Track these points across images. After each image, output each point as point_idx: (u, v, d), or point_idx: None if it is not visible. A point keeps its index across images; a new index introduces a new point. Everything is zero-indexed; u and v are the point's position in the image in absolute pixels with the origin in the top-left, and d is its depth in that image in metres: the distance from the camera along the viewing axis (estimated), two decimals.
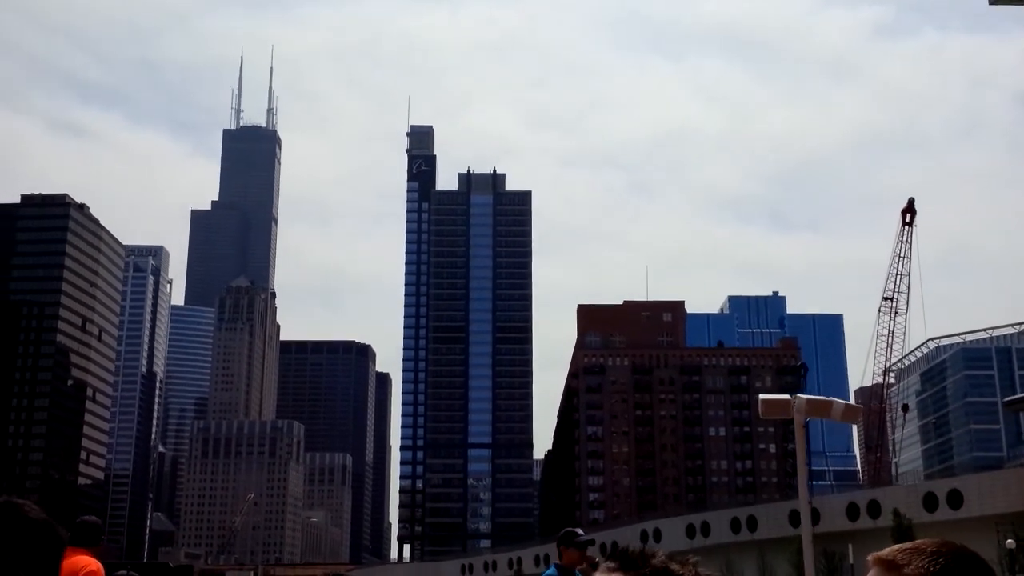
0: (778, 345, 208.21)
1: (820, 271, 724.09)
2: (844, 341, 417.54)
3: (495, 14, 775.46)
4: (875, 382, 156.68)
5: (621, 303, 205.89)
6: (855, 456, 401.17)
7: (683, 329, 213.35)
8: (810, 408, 13.05)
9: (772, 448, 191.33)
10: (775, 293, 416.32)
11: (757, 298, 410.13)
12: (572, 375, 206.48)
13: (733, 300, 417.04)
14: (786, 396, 13.58)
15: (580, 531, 10.94)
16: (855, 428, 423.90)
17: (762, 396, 13.66)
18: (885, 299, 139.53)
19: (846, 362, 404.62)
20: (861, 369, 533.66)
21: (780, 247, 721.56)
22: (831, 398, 13.61)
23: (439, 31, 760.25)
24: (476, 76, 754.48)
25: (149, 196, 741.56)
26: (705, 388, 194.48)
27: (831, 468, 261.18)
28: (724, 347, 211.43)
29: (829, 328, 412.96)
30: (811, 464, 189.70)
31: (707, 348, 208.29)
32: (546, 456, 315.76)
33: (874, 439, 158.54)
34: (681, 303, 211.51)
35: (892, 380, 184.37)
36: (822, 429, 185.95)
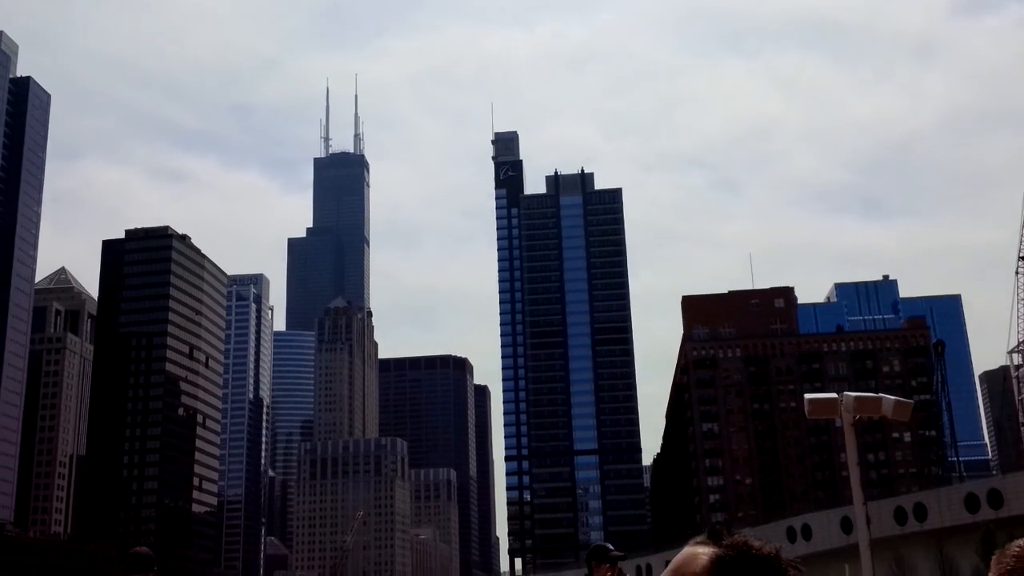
0: (904, 326, 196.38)
1: (923, 257, 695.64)
2: (965, 324, 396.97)
3: (566, 28, 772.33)
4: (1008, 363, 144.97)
5: (727, 293, 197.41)
6: (985, 445, 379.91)
7: (795, 316, 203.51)
8: (859, 406, 12.66)
9: (907, 436, 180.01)
10: (885, 277, 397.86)
11: (867, 284, 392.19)
12: (681, 370, 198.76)
13: (840, 288, 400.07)
14: (833, 395, 13.10)
15: (610, 546, 10.89)
16: (983, 415, 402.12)
17: (808, 396, 13.31)
18: (1021, 258, 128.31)
19: (968, 346, 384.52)
20: (982, 353, 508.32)
21: (878, 235, 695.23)
22: (880, 395, 13.09)
23: (514, 50, 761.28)
24: (552, 90, 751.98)
25: (246, 229, 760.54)
26: (827, 376, 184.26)
27: (961, 459, 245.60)
28: (845, 332, 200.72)
29: (947, 310, 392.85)
30: (947, 455, 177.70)
31: (826, 334, 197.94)
32: (655, 460, 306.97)
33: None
34: (791, 289, 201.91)
35: (1020, 360, 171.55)
36: (949, 417, 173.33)
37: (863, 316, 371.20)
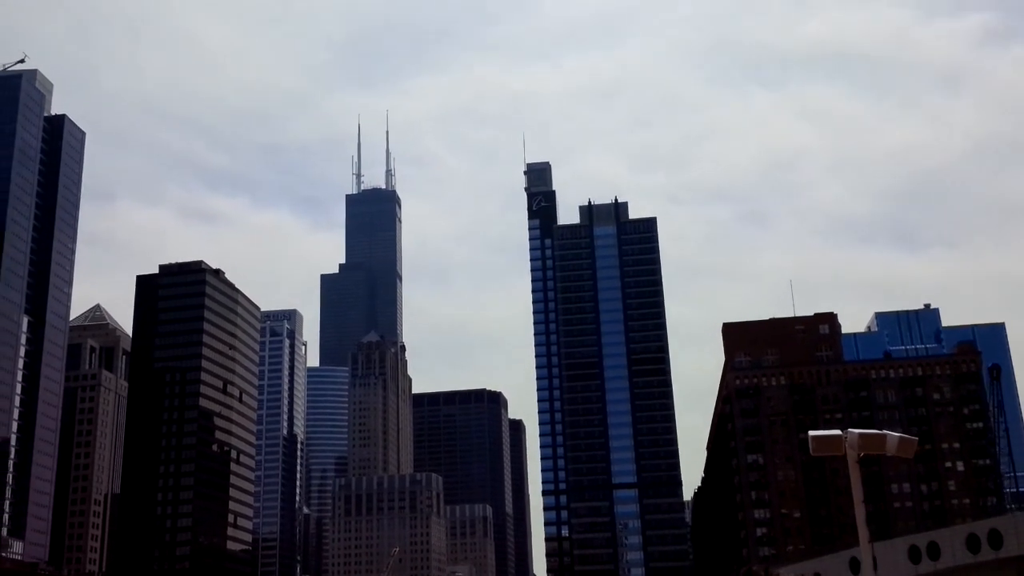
0: (955, 351, 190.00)
1: (959, 287, 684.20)
2: (1009, 352, 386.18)
3: (592, 63, 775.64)
4: None
5: (769, 320, 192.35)
6: None
7: (840, 343, 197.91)
8: (863, 443, 13.04)
9: (960, 466, 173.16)
10: (927, 306, 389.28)
11: (908, 313, 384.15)
12: (723, 400, 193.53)
13: (881, 317, 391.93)
14: (836, 432, 13.35)
15: None
16: None
17: (811, 432, 13.90)
18: None
19: (1014, 374, 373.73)
20: None
21: (911, 265, 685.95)
22: (884, 432, 13.21)
23: (541, 85, 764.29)
24: (580, 124, 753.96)
25: (278, 266, 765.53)
26: (876, 404, 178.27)
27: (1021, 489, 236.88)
28: (893, 358, 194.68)
29: (992, 339, 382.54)
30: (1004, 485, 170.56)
31: (873, 361, 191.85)
32: (696, 494, 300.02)
33: None
34: (834, 315, 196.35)
35: None
36: (1008, 444, 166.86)
37: (905, 346, 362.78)
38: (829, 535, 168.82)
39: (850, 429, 12.93)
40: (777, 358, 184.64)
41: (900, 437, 13.03)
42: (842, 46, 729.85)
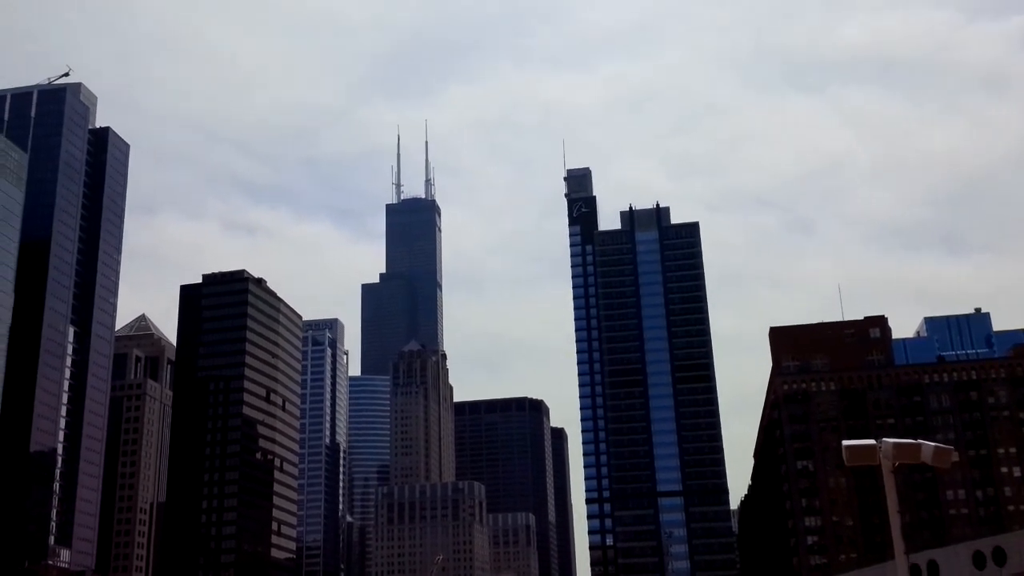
0: (1010, 354, 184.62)
1: (1009, 291, 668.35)
2: None
3: (628, 70, 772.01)
4: None
5: (818, 324, 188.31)
6: None
7: (890, 347, 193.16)
8: (897, 452, 12.61)
9: (1016, 471, 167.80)
10: (977, 310, 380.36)
11: (958, 318, 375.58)
12: (771, 406, 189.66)
13: (931, 322, 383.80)
14: (871, 442, 13.33)
15: None
16: None
17: (845, 443, 13.52)
18: None
19: None
20: None
21: (959, 270, 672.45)
22: (920, 441, 13.18)
23: (577, 93, 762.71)
24: (616, 131, 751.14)
25: (318, 277, 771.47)
26: (929, 409, 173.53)
27: None
28: (946, 362, 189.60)
29: None
30: None
31: (927, 364, 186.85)
32: (743, 502, 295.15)
33: None
34: (884, 318, 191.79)
35: None
36: None
37: (956, 351, 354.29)
38: (882, 543, 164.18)
39: (884, 439, 12.97)
40: (826, 363, 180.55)
41: (936, 447, 12.56)
42: (881, 50, 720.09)
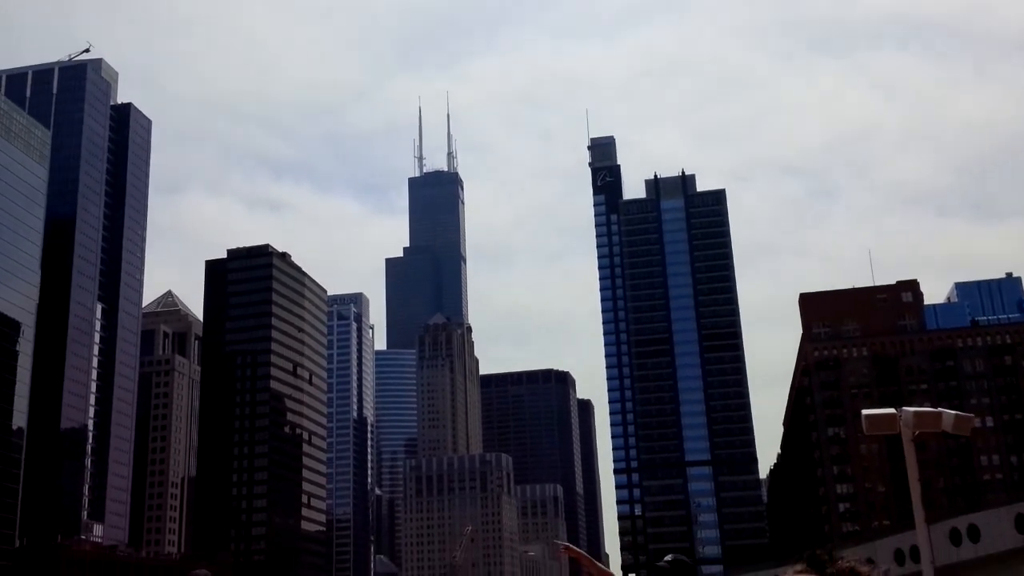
0: None
1: None
2: None
3: (652, 42, 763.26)
4: None
5: (849, 289, 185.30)
6: None
7: (922, 312, 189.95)
8: (918, 421, 12.69)
9: None
10: (1009, 275, 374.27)
11: (989, 282, 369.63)
12: (801, 372, 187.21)
13: (961, 287, 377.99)
14: (891, 410, 13.11)
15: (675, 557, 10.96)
16: None
17: (864, 412, 13.30)
18: None
19: None
20: None
21: (990, 237, 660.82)
22: (940, 409, 13.01)
23: (602, 63, 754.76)
24: (642, 101, 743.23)
25: (343, 252, 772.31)
26: (963, 374, 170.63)
27: None
28: (980, 326, 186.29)
29: None
30: None
31: (960, 329, 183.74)
32: (772, 471, 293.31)
33: None
34: (916, 282, 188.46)
35: None
36: None
37: (987, 316, 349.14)
38: (911, 511, 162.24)
39: (904, 407, 12.39)
40: (858, 328, 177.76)
41: (956, 415, 12.42)
42: (909, 14, 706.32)
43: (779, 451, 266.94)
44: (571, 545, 11.68)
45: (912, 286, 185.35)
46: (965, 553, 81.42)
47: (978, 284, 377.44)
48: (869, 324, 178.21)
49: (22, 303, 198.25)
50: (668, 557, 10.89)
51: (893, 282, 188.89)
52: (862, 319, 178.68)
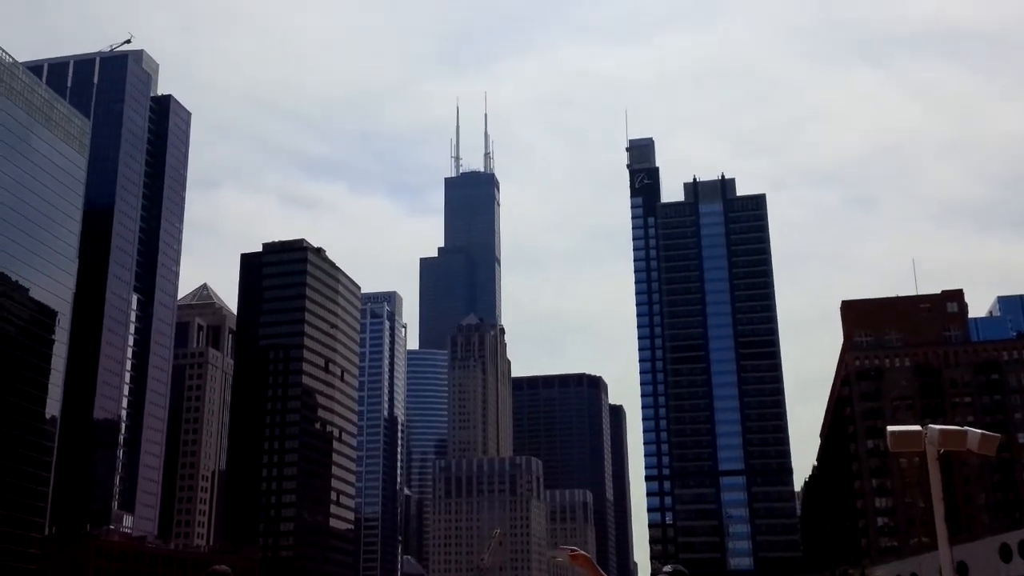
0: None
1: None
2: None
3: (690, 45, 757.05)
4: None
5: (892, 297, 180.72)
6: None
7: (967, 323, 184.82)
8: (943, 439, 12.67)
9: None
10: None
11: None
12: (841, 383, 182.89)
13: (1004, 301, 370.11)
14: (917, 428, 13.11)
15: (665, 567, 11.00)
16: None
17: (890, 428, 13.37)
18: None
19: None
20: None
21: None
22: (966, 428, 13.00)
23: (638, 68, 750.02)
24: (677, 107, 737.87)
25: (376, 251, 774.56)
26: (1008, 387, 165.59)
27: None
28: None
29: None
30: None
31: (1007, 340, 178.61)
32: (807, 483, 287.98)
33: None
34: (961, 292, 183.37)
35: None
36: None
37: None
38: (955, 525, 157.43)
39: (930, 424, 12.43)
40: (900, 338, 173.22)
41: (982, 434, 12.15)
42: (951, 23, 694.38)
43: (815, 462, 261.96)
44: (578, 550, 11.50)
45: (957, 296, 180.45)
46: (1016, 569, 78.31)
47: (1021, 298, 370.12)
48: (912, 334, 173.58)
49: (59, 292, 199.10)
50: (667, 567, 10.79)
51: (936, 292, 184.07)
52: (905, 329, 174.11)
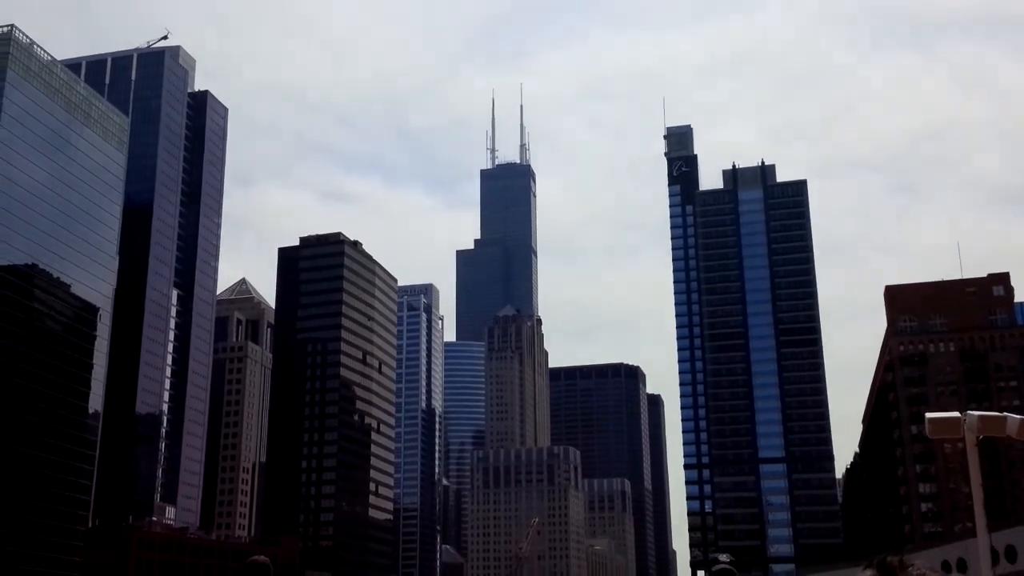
0: None
1: None
2: None
3: (729, 31, 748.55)
4: None
5: (937, 281, 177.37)
6: None
7: (1014, 307, 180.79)
8: (982, 425, 12.65)
9: None
10: None
11: None
12: (884, 368, 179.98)
13: None
14: (956, 414, 13.04)
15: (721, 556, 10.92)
16: None
17: (928, 415, 13.30)
18: None
19: None
20: None
21: None
22: (1005, 414, 12.95)
23: (677, 54, 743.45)
24: (716, 94, 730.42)
25: (413, 244, 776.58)
26: None
27: None
28: None
29: None
30: None
31: None
32: (848, 470, 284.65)
33: None
34: (1008, 275, 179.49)
35: None
36: None
37: None
38: (1001, 509, 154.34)
39: (969, 411, 12.33)
40: (945, 323, 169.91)
41: (1021, 419, 11.99)
42: (994, 6, 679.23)
43: (857, 449, 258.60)
44: None
45: (1004, 279, 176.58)
46: None
47: None
48: (957, 318, 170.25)
49: (100, 288, 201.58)
50: (723, 556, 10.91)
51: (983, 275, 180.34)
52: (950, 313, 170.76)
